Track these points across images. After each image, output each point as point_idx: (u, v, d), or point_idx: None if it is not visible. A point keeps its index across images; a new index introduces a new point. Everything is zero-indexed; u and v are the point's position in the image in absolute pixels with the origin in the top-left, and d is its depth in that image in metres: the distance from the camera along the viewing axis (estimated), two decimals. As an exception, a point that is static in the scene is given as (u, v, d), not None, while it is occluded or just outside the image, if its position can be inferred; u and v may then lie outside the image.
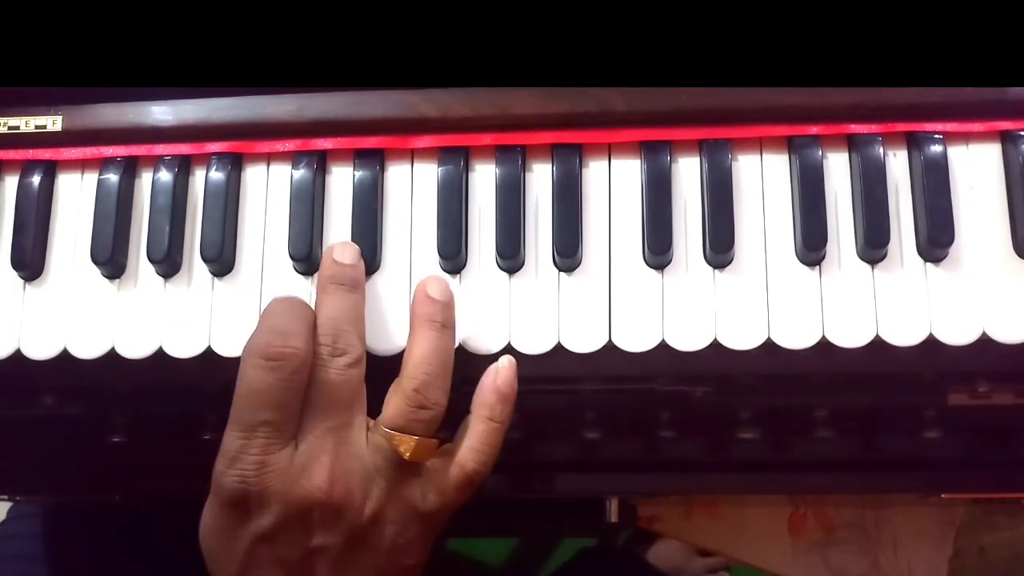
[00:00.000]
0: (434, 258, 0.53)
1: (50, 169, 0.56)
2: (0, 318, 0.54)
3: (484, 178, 0.54)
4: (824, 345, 0.50)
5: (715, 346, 0.51)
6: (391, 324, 0.52)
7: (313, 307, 0.51)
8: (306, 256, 0.53)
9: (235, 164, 0.55)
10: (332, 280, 0.51)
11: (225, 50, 0.52)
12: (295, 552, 0.48)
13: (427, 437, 0.49)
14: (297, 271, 0.54)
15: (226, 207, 0.54)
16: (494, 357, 0.52)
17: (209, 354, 0.53)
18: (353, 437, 0.49)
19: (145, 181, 0.55)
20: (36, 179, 0.55)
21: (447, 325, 0.50)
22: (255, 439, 0.47)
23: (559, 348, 0.52)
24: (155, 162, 0.55)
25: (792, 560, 0.77)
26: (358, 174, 0.54)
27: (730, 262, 0.52)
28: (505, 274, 0.53)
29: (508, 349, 0.52)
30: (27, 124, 0.56)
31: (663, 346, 0.51)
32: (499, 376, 0.51)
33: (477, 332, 0.52)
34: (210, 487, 0.49)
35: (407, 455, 0.48)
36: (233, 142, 0.55)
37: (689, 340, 0.51)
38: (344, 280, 0.51)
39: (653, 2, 0.51)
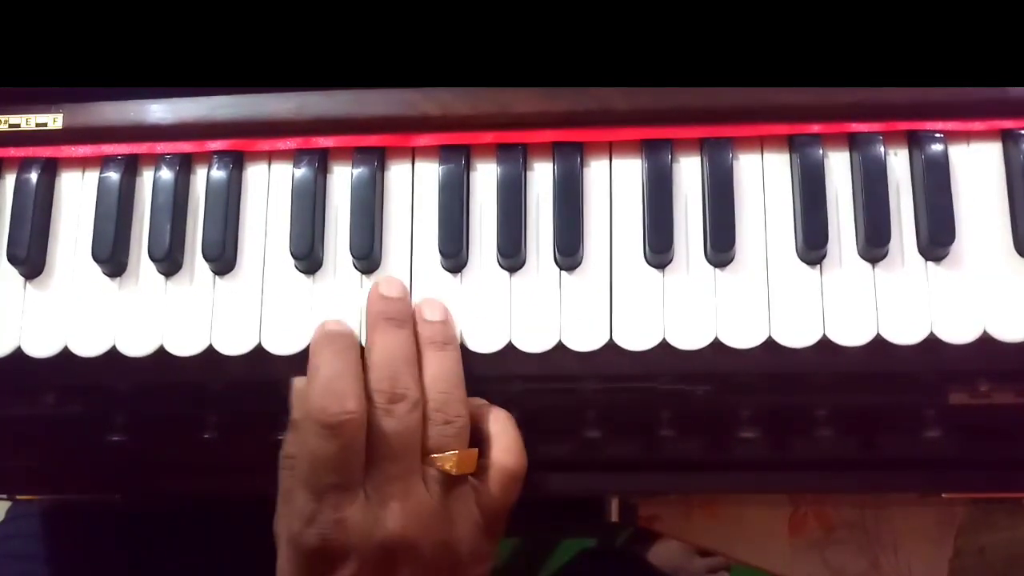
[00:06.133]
0: (435, 256, 0.53)
1: (51, 167, 0.56)
2: (1, 316, 0.54)
3: (485, 176, 0.54)
4: (825, 344, 0.50)
5: (716, 345, 0.51)
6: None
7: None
8: (307, 254, 0.53)
9: (236, 162, 0.55)
10: (382, 316, 0.51)
11: (226, 48, 0.52)
12: None
13: (463, 448, 0.51)
14: (298, 269, 0.54)
15: (227, 205, 0.54)
16: (495, 356, 0.52)
17: (210, 352, 0.53)
18: (415, 479, 0.50)
19: (146, 179, 0.55)
20: (37, 177, 0.55)
21: (448, 342, 0.51)
22: (327, 500, 0.48)
23: (560, 347, 0.52)
24: (156, 160, 0.55)
25: (792, 560, 0.77)
26: (359, 172, 0.54)
27: (731, 261, 0.52)
28: (506, 272, 0.53)
29: (509, 347, 0.52)
30: (28, 122, 0.56)
31: (664, 345, 0.51)
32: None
33: (478, 331, 0.52)
34: (276, 539, 0.50)
35: (454, 471, 0.50)
36: (234, 140, 0.55)
37: (690, 339, 0.51)
38: (394, 315, 0.51)
39: (654, 1, 0.51)
